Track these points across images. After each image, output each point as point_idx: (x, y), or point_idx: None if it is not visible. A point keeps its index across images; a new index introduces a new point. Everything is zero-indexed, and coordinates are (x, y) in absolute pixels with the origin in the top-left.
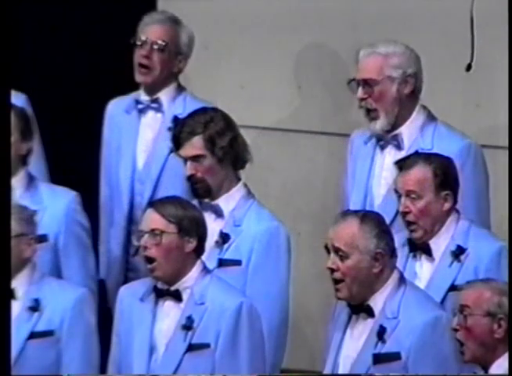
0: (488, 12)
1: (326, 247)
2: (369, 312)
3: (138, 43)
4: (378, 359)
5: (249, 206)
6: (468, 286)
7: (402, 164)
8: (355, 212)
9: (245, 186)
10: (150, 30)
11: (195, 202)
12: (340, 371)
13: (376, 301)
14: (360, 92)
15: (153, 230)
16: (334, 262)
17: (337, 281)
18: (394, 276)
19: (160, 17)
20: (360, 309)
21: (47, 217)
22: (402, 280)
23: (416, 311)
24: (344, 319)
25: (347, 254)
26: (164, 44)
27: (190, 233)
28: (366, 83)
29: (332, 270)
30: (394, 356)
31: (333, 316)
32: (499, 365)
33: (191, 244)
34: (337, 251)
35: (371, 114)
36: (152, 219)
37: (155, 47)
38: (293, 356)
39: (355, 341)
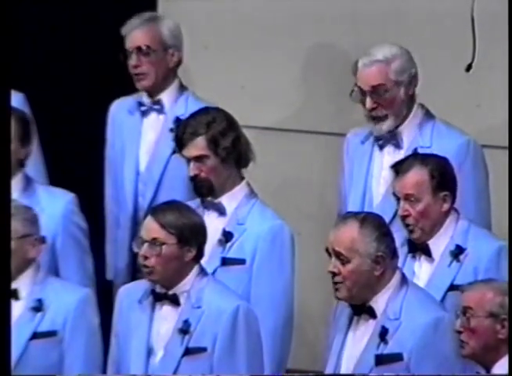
0: (488, 13)
1: (327, 251)
2: (371, 314)
3: (128, 52)
4: (380, 360)
5: (252, 205)
6: (470, 287)
7: (398, 168)
8: (355, 215)
9: (248, 184)
10: (131, 39)
11: (197, 201)
12: (343, 372)
13: (378, 303)
14: (369, 103)
15: (153, 240)
16: (335, 265)
17: (337, 283)
18: (396, 277)
19: (135, 22)
20: (362, 310)
21: (44, 218)
22: (403, 280)
23: (418, 312)
24: (346, 320)
25: (348, 258)
26: (146, 47)
27: (190, 243)
28: (374, 91)
29: (333, 274)
30: (397, 357)
31: (334, 317)
32: (502, 365)
33: (191, 253)
34: (337, 255)
35: (378, 118)
36: (152, 229)
37: (141, 53)
38: (294, 356)
39: (357, 342)
